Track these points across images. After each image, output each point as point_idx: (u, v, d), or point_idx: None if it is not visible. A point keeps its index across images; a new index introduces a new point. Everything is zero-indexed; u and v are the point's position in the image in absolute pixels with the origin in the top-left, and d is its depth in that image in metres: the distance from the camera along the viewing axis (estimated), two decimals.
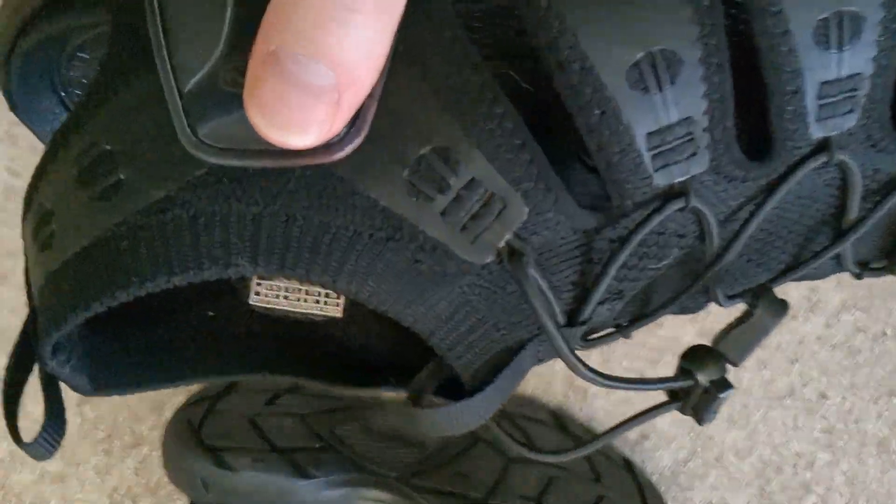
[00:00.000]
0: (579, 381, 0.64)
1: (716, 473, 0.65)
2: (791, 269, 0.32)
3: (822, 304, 0.61)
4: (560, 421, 0.62)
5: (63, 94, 0.31)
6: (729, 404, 0.64)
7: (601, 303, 0.29)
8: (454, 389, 0.30)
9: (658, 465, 0.65)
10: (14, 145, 0.59)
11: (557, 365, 0.63)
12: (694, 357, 0.31)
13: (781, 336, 0.62)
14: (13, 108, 0.31)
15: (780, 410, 0.64)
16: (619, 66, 0.25)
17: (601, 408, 0.64)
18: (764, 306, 0.30)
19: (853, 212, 0.30)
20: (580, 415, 0.64)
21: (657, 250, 0.29)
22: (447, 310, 0.27)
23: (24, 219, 0.29)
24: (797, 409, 0.63)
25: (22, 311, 0.61)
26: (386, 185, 0.25)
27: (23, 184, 0.59)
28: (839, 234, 0.30)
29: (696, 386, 0.31)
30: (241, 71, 0.23)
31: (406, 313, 0.27)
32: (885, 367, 0.62)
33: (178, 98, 0.24)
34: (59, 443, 0.28)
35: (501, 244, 0.26)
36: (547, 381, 0.63)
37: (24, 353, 0.30)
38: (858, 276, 0.33)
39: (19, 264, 0.62)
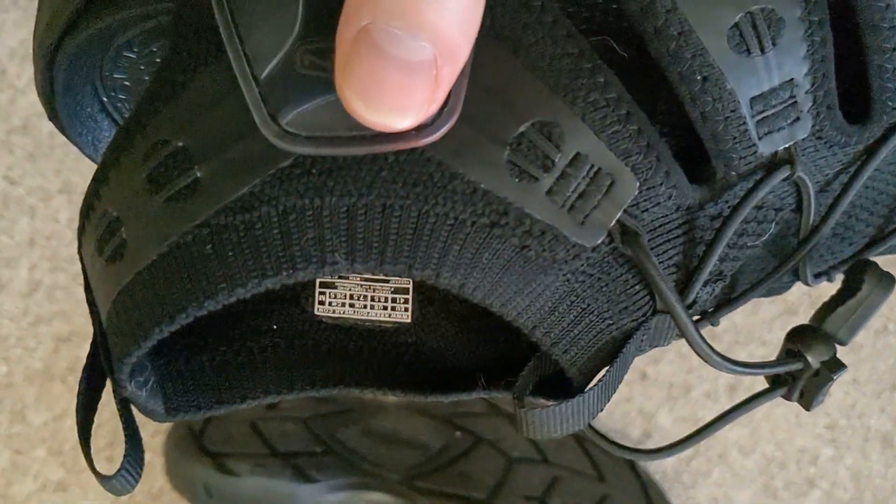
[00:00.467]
0: None
1: (719, 471, 0.65)
2: (874, 243, 0.31)
3: (822, 300, 0.61)
4: None
5: (105, 99, 0.30)
6: (731, 401, 0.64)
7: (704, 285, 0.28)
8: (550, 387, 0.29)
9: (662, 464, 0.65)
10: (10, 153, 0.59)
11: None
12: (800, 338, 0.29)
13: (783, 332, 0.62)
14: (53, 116, 0.29)
15: (782, 407, 0.63)
16: (719, 27, 0.24)
17: None
18: (871, 281, 0.29)
19: None
20: None
21: (756, 226, 0.28)
22: (551, 300, 0.26)
23: (83, 232, 0.26)
24: (800, 406, 0.63)
25: (22, 320, 0.62)
26: (486, 166, 0.24)
27: (20, 192, 0.60)
28: None
29: (807, 368, 0.29)
30: (319, 52, 0.22)
31: (510, 306, 0.25)
32: (886, 362, 0.62)
33: (254, 86, 0.22)
34: (140, 474, 0.26)
35: (612, 223, 0.25)
36: None
37: (94, 379, 0.28)
38: None
39: (18, 273, 0.62)
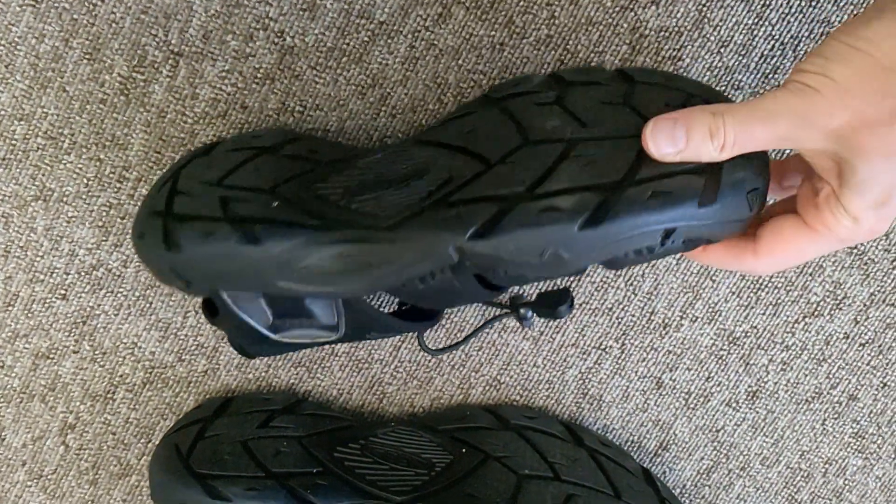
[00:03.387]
0: (592, 391, 0.64)
1: (742, 483, 0.65)
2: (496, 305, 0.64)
3: (848, 300, 0.61)
4: (574, 434, 0.61)
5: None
6: (753, 409, 0.64)
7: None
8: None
9: (680, 477, 0.65)
10: None
11: (568, 375, 0.63)
12: (518, 303, 0.61)
13: (806, 335, 0.62)
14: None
15: (807, 414, 0.63)
16: None
17: (617, 417, 0.64)
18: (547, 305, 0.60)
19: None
20: (595, 426, 0.64)
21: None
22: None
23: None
24: (825, 413, 0.63)
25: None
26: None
27: None
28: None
29: (518, 315, 0.62)
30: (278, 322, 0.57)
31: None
32: None
33: (265, 331, 0.56)
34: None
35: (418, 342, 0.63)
36: (558, 391, 0.63)
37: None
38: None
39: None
